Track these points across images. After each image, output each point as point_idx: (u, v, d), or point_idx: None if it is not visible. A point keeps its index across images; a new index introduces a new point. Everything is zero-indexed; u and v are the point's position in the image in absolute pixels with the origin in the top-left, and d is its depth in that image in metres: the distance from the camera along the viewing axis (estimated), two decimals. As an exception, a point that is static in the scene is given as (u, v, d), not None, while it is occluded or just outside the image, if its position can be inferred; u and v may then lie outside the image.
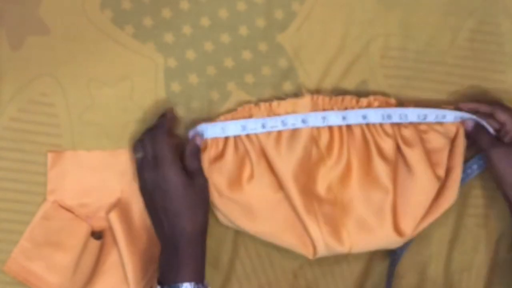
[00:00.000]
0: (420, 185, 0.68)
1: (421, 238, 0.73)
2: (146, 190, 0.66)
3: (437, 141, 0.70)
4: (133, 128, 0.70)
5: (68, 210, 0.68)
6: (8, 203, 0.68)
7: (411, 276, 0.74)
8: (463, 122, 0.70)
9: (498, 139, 0.70)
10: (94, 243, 0.68)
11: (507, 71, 0.74)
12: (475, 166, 0.74)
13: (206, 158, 0.68)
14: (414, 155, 0.68)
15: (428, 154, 0.69)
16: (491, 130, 0.71)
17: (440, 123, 0.70)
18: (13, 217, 0.68)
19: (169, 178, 0.64)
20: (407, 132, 0.69)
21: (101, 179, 0.69)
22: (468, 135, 0.71)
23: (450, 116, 0.70)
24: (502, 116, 0.71)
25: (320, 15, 0.72)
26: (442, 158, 0.70)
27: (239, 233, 0.71)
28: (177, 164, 0.65)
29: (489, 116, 0.71)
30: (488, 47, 0.74)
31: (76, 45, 0.69)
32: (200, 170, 0.67)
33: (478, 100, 0.73)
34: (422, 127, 0.70)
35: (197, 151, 0.68)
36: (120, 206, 0.68)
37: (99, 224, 0.69)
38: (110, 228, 0.68)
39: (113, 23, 0.69)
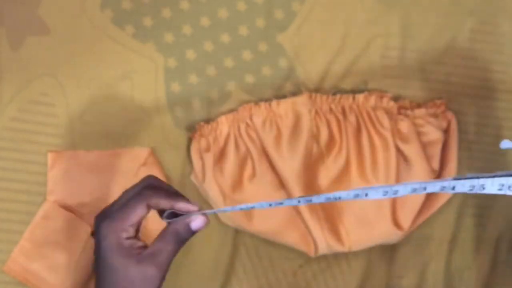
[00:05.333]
0: (417, 178, 0.69)
1: (421, 238, 0.73)
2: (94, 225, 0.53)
3: (432, 134, 0.70)
4: (133, 128, 0.70)
5: (68, 210, 0.68)
6: (8, 203, 0.68)
7: (411, 276, 0.74)
8: None
9: None
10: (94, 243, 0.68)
11: (507, 71, 0.74)
12: None
13: (210, 158, 0.68)
14: (411, 149, 0.69)
15: (424, 147, 0.70)
16: None
17: (435, 115, 0.70)
18: (13, 217, 0.68)
19: (102, 245, 0.50)
20: (404, 126, 0.69)
21: (101, 179, 0.69)
22: None
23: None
24: None
25: (320, 15, 0.72)
26: (436, 151, 0.70)
27: (239, 233, 0.71)
28: (126, 234, 0.50)
29: None
30: (488, 47, 0.74)
31: (76, 45, 0.69)
32: (163, 260, 0.51)
33: None
34: (418, 121, 0.70)
35: (182, 236, 0.52)
36: (120, 206, 0.68)
37: (99, 224, 0.69)
38: (110, 228, 0.68)
39: (113, 23, 0.69)
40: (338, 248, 0.69)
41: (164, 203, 0.51)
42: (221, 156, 0.68)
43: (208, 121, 0.70)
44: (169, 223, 0.52)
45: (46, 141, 0.69)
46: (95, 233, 0.52)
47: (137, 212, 0.51)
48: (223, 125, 0.69)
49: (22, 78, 0.68)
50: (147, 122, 0.70)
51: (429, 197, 0.71)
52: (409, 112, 0.70)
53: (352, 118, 0.69)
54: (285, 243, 0.70)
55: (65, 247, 0.67)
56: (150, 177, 0.54)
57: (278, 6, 0.71)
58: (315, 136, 0.69)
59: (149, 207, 0.51)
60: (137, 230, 0.52)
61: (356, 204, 0.69)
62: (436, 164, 0.70)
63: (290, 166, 0.68)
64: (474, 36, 0.74)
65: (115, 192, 0.69)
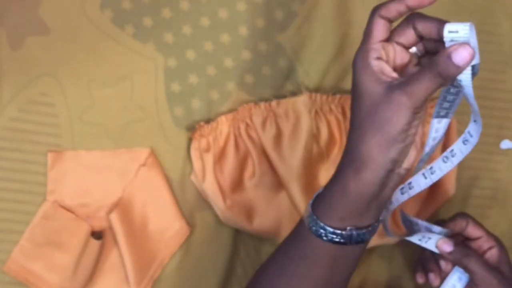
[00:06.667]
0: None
1: (421, 238, 0.73)
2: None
3: None
4: (133, 128, 0.70)
5: (68, 210, 0.68)
6: (8, 203, 0.68)
7: (411, 276, 0.74)
8: (440, 244, 0.61)
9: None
10: (94, 243, 0.68)
11: (507, 71, 0.74)
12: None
13: (210, 158, 0.68)
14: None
15: (424, 147, 0.70)
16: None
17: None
18: (13, 217, 0.68)
19: (355, 70, 0.49)
20: None
21: (101, 179, 0.69)
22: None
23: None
24: (475, 230, 0.64)
25: (320, 15, 0.72)
26: (436, 151, 0.70)
27: (239, 233, 0.71)
28: (373, 53, 0.49)
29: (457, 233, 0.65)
30: (488, 47, 0.74)
31: (76, 45, 0.69)
32: (417, 93, 0.46)
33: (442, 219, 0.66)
34: None
35: (445, 70, 0.46)
36: (120, 206, 0.68)
37: (99, 224, 0.69)
38: (110, 228, 0.68)
39: (113, 23, 0.69)
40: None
41: (395, 3, 0.49)
42: (221, 156, 0.68)
43: (208, 121, 0.70)
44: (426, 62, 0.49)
45: (46, 141, 0.69)
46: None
47: (376, 26, 0.49)
48: (223, 125, 0.69)
49: (22, 78, 0.68)
50: (147, 122, 0.70)
51: (429, 197, 0.71)
52: (409, 112, 0.70)
53: (352, 118, 0.69)
54: (285, 243, 0.70)
55: (65, 247, 0.67)
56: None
57: (278, 6, 0.71)
58: (315, 136, 0.69)
59: (385, 18, 0.49)
60: (391, 59, 0.50)
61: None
62: (436, 164, 0.70)
63: (290, 166, 0.68)
64: (474, 36, 0.74)
65: (115, 192, 0.69)
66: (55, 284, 0.66)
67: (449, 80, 0.47)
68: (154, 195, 0.69)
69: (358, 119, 0.49)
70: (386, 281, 0.73)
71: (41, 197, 0.68)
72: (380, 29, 0.49)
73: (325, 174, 0.70)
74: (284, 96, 0.71)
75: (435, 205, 0.72)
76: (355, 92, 0.49)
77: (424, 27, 0.50)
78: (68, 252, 0.67)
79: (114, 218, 0.67)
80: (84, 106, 0.69)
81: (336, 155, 0.69)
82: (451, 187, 0.71)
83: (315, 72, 0.72)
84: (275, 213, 0.69)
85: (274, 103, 0.69)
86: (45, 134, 0.69)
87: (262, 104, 0.69)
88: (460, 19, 0.73)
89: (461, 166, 0.72)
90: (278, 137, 0.68)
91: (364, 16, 0.72)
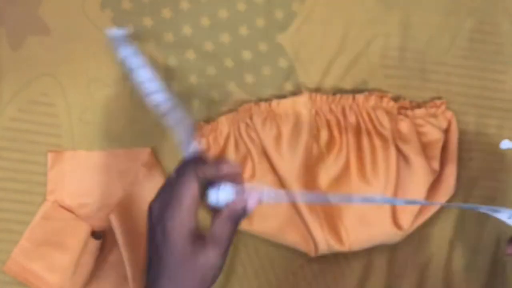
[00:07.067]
0: (417, 178, 0.69)
1: (421, 237, 0.73)
2: (150, 214, 0.52)
3: (432, 135, 0.70)
4: (133, 128, 0.70)
5: (68, 210, 0.68)
6: (8, 203, 0.68)
7: (411, 276, 0.74)
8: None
9: None
10: (94, 243, 0.68)
11: (507, 71, 0.74)
12: None
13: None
14: (411, 149, 0.69)
15: (424, 147, 0.70)
16: None
17: (435, 115, 0.70)
18: (13, 217, 0.68)
19: (170, 234, 0.50)
20: (404, 126, 0.69)
21: (101, 179, 0.69)
22: None
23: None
24: None
25: (320, 15, 0.72)
26: (436, 151, 0.70)
27: (239, 233, 0.71)
28: (190, 219, 0.50)
29: None
30: (488, 47, 0.74)
31: (76, 45, 0.69)
32: (224, 242, 0.51)
33: None
34: (418, 121, 0.70)
35: (239, 216, 0.52)
36: (120, 206, 0.68)
37: (99, 224, 0.69)
38: (110, 228, 0.68)
39: (113, 23, 0.69)
40: (338, 248, 0.69)
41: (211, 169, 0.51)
42: (221, 156, 0.68)
43: (208, 121, 0.70)
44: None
45: (46, 141, 0.69)
46: (150, 217, 0.51)
47: (187, 193, 0.50)
48: (223, 125, 0.69)
49: (22, 78, 0.68)
50: (147, 122, 0.70)
51: (428, 198, 0.71)
52: (409, 112, 0.70)
53: (352, 118, 0.69)
54: (285, 243, 0.70)
55: (65, 247, 0.67)
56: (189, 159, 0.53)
57: (278, 6, 0.71)
58: (315, 136, 0.69)
59: (197, 181, 0.50)
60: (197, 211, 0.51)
61: (356, 206, 0.69)
62: (436, 164, 0.70)
63: (290, 166, 0.68)
64: (474, 36, 0.74)
65: (115, 192, 0.69)
66: (55, 284, 0.66)
67: (242, 214, 0.52)
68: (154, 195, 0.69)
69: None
70: (386, 281, 0.73)
71: (41, 197, 0.68)
72: (192, 196, 0.50)
73: (325, 174, 0.69)
74: (284, 96, 0.71)
75: (435, 206, 0.72)
76: (168, 253, 0.50)
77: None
78: (68, 252, 0.67)
79: (114, 218, 0.67)
80: (84, 106, 0.69)
81: (336, 155, 0.69)
82: (451, 187, 0.71)
83: (315, 72, 0.72)
84: (275, 213, 0.69)
85: (274, 103, 0.69)
86: (45, 134, 0.69)
87: (262, 104, 0.69)
88: (460, 19, 0.74)
89: (461, 166, 0.72)
90: (278, 137, 0.68)
91: (364, 16, 0.73)
